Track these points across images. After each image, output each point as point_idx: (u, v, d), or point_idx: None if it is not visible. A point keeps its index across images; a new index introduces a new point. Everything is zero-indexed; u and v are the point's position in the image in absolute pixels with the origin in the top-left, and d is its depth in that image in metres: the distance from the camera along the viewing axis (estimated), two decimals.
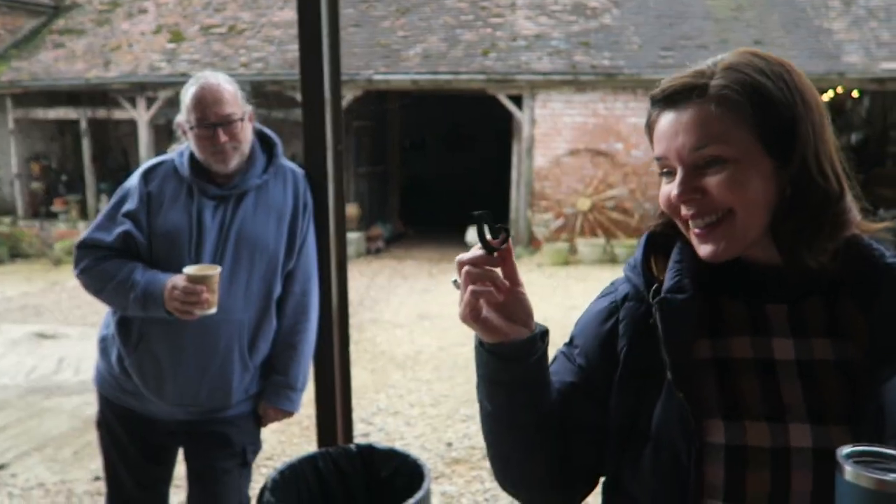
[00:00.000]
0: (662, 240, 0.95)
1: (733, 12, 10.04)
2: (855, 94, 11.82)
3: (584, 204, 9.66)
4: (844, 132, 12.74)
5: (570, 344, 0.99)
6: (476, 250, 0.81)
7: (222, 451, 2.01)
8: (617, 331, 0.93)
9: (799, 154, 0.81)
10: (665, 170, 0.88)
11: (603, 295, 0.99)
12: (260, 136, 2.02)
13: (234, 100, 1.88)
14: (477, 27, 10.43)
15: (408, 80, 9.73)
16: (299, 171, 2.09)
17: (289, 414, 2.08)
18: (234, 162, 1.90)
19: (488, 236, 0.81)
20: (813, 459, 0.79)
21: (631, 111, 9.49)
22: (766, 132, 0.81)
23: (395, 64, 9.91)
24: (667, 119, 0.86)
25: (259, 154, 1.99)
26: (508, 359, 0.84)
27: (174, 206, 1.90)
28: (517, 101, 9.78)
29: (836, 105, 12.91)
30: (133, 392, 1.95)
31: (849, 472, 0.67)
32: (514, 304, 0.84)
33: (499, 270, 0.82)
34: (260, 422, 2.10)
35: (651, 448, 0.86)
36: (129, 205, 1.89)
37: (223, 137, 1.84)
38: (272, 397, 2.03)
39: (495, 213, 0.82)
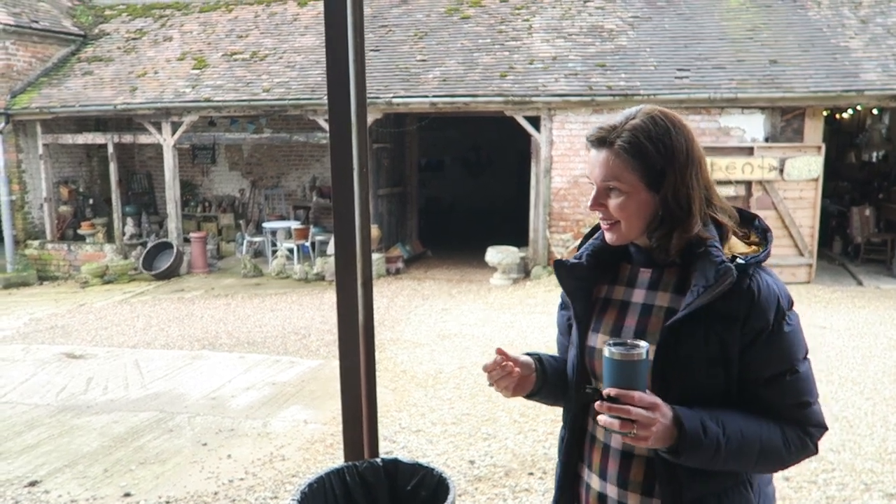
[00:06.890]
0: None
1: (749, 32, 10.09)
2: (874, 111, 11.77)
3: None
4: (865, 150, 12.67)
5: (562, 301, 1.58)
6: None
7: None
8: None
9: (665, 191, 1.28)
10: (591, 183, 1.37)
11: None
12: None
13: None
14: (494, 50, 10.58)
15: (426, 102, 9.87)
16: None
17: None
18: None
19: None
20: None
21: None
22: (645, 176, 1.28)
23: (414, 87, 10.06)
24: (592, 154, 1.34)
25: None
26: (537, 393, 1.51)
27: None
28: (535, 122, 9.87)
29: (856, 123, 12.88)
30: None
31: (606, 350, 1.20)
32: (523, 381, 1.47)
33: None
34: None
35: (572, 349, 1.48)
36: None
37: None
38: None
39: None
